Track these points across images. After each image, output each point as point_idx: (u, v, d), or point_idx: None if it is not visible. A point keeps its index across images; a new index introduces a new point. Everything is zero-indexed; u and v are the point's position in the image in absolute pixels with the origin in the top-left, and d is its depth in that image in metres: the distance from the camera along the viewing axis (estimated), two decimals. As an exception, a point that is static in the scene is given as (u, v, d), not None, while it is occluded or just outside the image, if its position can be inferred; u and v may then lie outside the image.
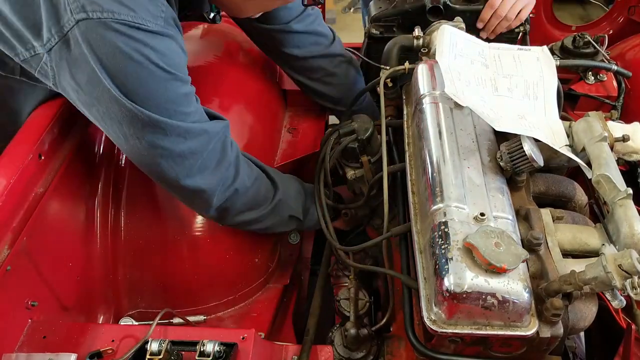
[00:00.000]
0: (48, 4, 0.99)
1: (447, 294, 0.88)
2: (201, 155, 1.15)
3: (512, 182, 1.12)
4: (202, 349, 0.97)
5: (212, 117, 1.20)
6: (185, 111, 1.11)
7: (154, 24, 1.02)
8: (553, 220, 1.07)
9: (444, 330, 0.91)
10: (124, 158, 1.43)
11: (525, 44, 1.75)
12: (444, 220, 0.96)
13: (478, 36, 1.74)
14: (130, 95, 1.02)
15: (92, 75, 1.00)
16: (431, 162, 1.09)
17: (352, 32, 4.39)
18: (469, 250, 0.90)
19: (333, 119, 1.95)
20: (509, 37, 1.75)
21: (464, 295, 0.88)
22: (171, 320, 1.34)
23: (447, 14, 1.66)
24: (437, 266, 0.92)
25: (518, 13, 1.63)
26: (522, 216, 1.07)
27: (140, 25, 1.00)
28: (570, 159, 1.21)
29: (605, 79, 1.81)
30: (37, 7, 1.00)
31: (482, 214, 0.96)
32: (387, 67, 1.44)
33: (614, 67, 1.61)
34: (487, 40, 1.55)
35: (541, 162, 1.05)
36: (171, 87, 1.07)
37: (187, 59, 1.14)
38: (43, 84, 1.13)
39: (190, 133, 1.11)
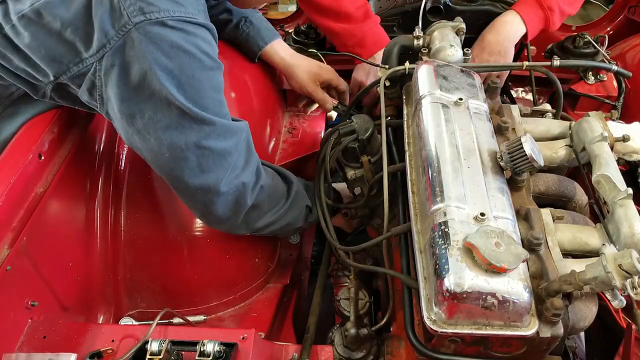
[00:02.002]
0: (102, 13, 1.01)
1: (447, 294, 0.88)
2: (234, 154, 1.19)
3: (512, 182, 1.12)
4: (202, 349, 0.97)
5: (233, 121, 1.23)
6: (222, 100, 1.17)
7: (199, 17, 1.08)
8: (553, 220, 1.07)
9: (444, 330, 0.91)
10: (124, 159, 1.44)
11: (526, 43, 1.76)
12: (444, 220, 0.96)
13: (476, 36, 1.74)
14: (181, 90, 1.06)
15: (145, 75, 1.03)
16: (431, 162, 1.09)
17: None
18: (469, 250, 0.90)
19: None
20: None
21: (464, 295, 0.87)
22: (171, 320, 1.34)
23: (447, 14, 1.66)
24: (437, 266, 0.91)
25: None
26: (522, 216, 1.07)
27: (190, 19, 1.06)
28: (570, 158, 1.22)
29: (605, 79, 1.81)
30: (88, 17, 1.02)
31: (482, 214, 0.96)
32: (387, 67, 1.44)
33: (614, 67, 1.61)
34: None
35: (541, 162, 1.05)
36: (215, 75, 1.13)
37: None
38: (69, 102, 1.16)
39: (228, 131, 1.16)
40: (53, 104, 1.21)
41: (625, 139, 1.18)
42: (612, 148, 1.16)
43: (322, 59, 1.79)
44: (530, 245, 0.98)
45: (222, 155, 1.16)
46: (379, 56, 1.71)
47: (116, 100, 1.07)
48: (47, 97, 1.15)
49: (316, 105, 1.84)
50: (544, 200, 1.18)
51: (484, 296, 0.87)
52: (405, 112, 1.38)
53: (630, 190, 1.02)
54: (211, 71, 1.11)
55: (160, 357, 0.96)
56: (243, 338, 1.03)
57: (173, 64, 1.04)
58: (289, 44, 1.86)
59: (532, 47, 1.80)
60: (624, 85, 1.77)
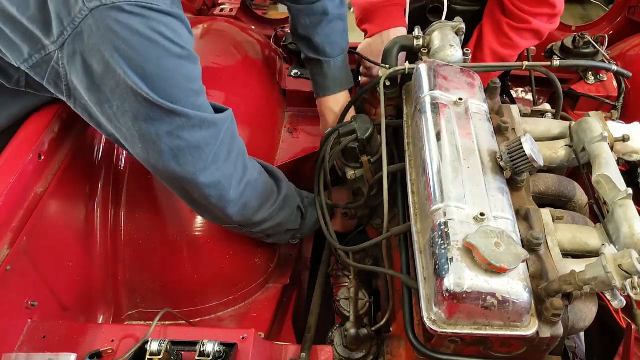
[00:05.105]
0: None
1: (447, 294, 0.88)
2: (214, 145, 1.15)
3: (512, 182, 1.12)
4: (202, 349, 0.97)
5: (216, 110, 1.20)
6: (197, 90, 1.12)
7: (163, 4, 1.03)
8: (553, 220, 1.08)
9: (444, 330, 0.91)
10: (123, 158, 1.43)
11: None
12: (444, 220, 0.96)
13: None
14: (147, 81, 1.01)
15: (107, 65, 0.99)
16: (431, 162, 1.09)
17: (352, 32, 4.36)
18: (469, 250, 0.90)
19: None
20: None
21: (464, 295, 0.87)
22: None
23: (447, 14, 1.65)
24: (437, 266, 0.92)
25: None
26: (522, 216, 1.07)
27: (151, 6, 1.00)
28: (570, 159, 1.22)
29: (605, 79, 1.81)
30: (44, 3, 0.98)
31: (482, 214, 0.96)
32: (387, 66, 1.44)
33: (614, 68, 1.61)
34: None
35: (541, 162, 1.05)
36: (185, 64, 1.07)
37: (194, 40, 1.14)
38: (48, 93, 1.12)
39: (204, 122, 1.12)
40: (34, 101, 1.18)
41: (625, 139, 1.18)
42: (612, 148, 1.16)
43: None
44: (530, 246, 0.98)
45: (198, 147, 1.12)
46: (386, 35, 1.67)
47: (83, 89, 1.03)
48: (21, 86, 1.11)
49: None
50: (544, 200, 1.18)
51: (483, 296, 0.87)
52: (405, 112, 1.38)
53: (630, 190, 1.02)
54: (180, 59, 1.05)
55: (160, 357, 0.96)
56: (243, 338, 1.03)
57: (136, 52, 0.99)
58: (289, 44, 1.87)
59: (532, 47, 1.80)
60: (624, 85, 1.77)
